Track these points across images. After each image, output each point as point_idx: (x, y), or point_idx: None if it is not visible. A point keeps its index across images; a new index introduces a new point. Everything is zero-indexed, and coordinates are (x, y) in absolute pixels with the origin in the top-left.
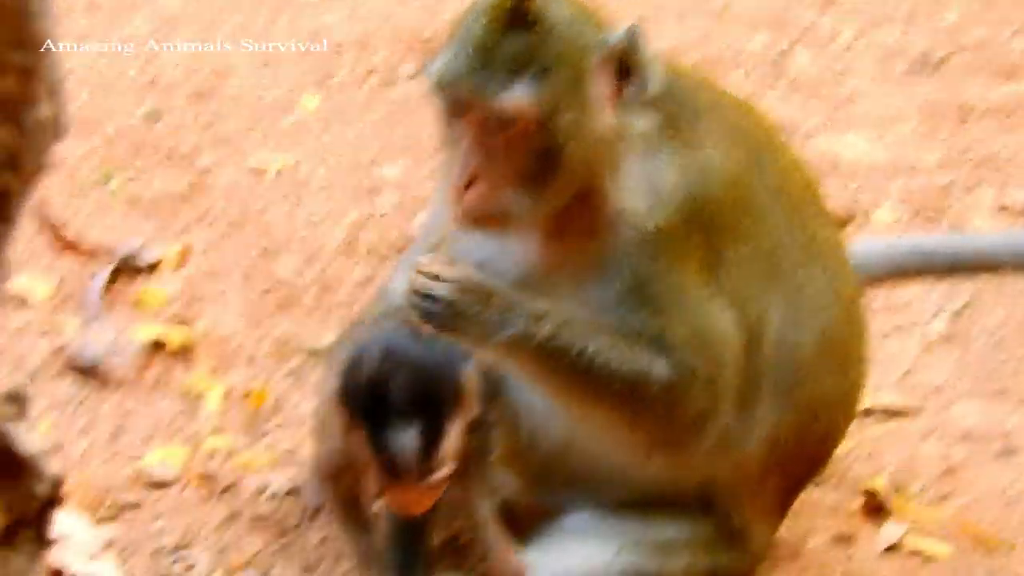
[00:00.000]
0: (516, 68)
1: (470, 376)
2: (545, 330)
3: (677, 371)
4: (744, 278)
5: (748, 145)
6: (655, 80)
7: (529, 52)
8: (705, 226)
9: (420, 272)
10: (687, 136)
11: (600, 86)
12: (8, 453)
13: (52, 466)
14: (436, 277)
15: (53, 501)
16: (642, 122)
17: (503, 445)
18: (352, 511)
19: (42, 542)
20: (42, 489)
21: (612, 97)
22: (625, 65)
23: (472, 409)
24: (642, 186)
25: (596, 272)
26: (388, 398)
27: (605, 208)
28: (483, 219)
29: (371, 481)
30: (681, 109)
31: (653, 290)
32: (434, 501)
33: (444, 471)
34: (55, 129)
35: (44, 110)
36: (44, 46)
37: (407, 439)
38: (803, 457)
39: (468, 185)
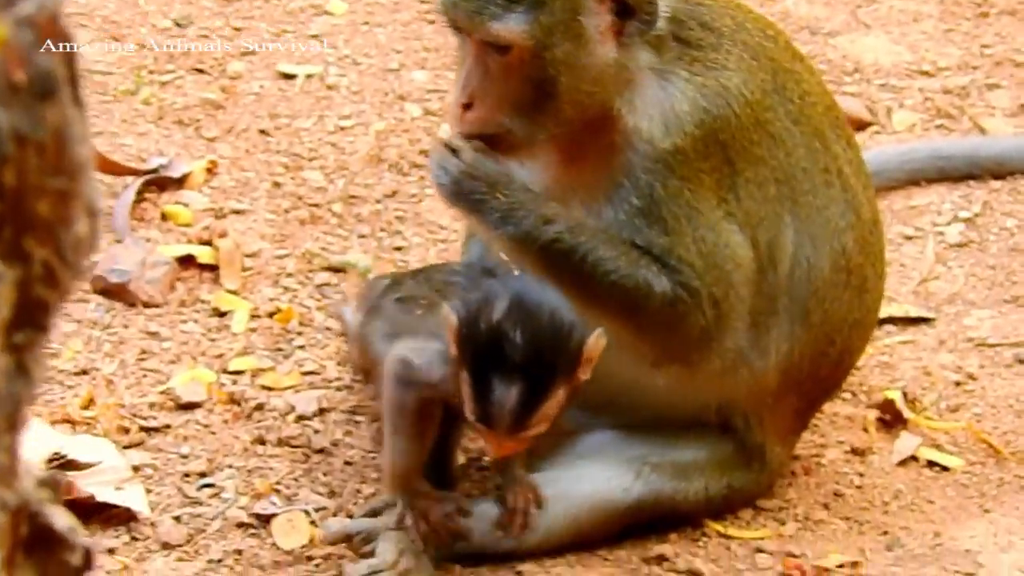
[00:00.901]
0: None
1: (595, 343)
2: (550, 233)
3: (680, 289)
4: (760, 200)
5: (770, 69)
6: (658, 17)
7: None
8: (723, 146)
9: (445, 143)
10: (709, 58)
11: (598, 21)
12: (44, 530)
13: (83, 539)
14: (455, 152)
15: (83, 569)
16: (650, 55)
17: None
18: (413, 421)
19: None
20: (75, 559)
21: (612, 32)
22: (626, 3)
23: (586, 375)
24: (659, 107)
25: (609, 192)
26: (502, 352)
27: (619, 130)
28: (481, 140)
29: (464, 414)
30: (703, 32)
31: (665, 209)
32: (520, 450)
33: (538, 429)
34: (90, 245)
35: (80, 229)
36: (80, 171)
37: (509, 397)
38: (819, 378)
39: (468, 105)
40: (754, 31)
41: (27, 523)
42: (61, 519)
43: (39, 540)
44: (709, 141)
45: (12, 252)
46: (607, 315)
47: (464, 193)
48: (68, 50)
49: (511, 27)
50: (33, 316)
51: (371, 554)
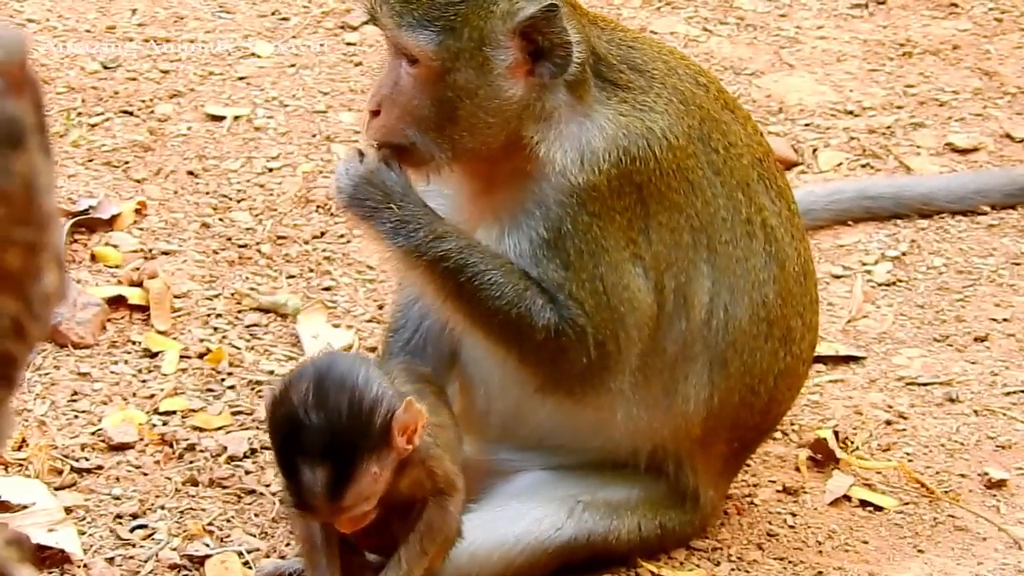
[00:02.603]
0: (429, 17)
1: (405, 415)
2: (439, 250)
3: (565, 324)
4: (671, 245)
5: (699, 116)
6: (572, 62)
7: (444, 6)
8: (639, 187)
9: (349, 151)
10: (638, 100)
11: (506, 57)
12: None
13: None
14: (361, 157)
15: None
16: (567, 95)
17: (461, 409)
18: (326, 548)
19: None
20: None
21: (522, 70)
22: (539, 44)
23: (409, 445)
24: (577, 143)
25: (519, 218)
26: (303, 434)
27: (534, 161)
28: (386, 147)
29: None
30: (633, 75)
31: (570, 243)
32: (360, 527)
33: (362, 507)
34: (58, 296)
35: (48, 281)
36: (49, 222)
37: (316, 481)
38: (747, 425)
39: (376, 112)
40: (685, 77)
41: None
42: None
43: None
44: (624, 180)
45: None
46: (490, 339)
47: (359, 199)
48: (35, 97)
49: (421, 42)
50: (1, 370)
51: None
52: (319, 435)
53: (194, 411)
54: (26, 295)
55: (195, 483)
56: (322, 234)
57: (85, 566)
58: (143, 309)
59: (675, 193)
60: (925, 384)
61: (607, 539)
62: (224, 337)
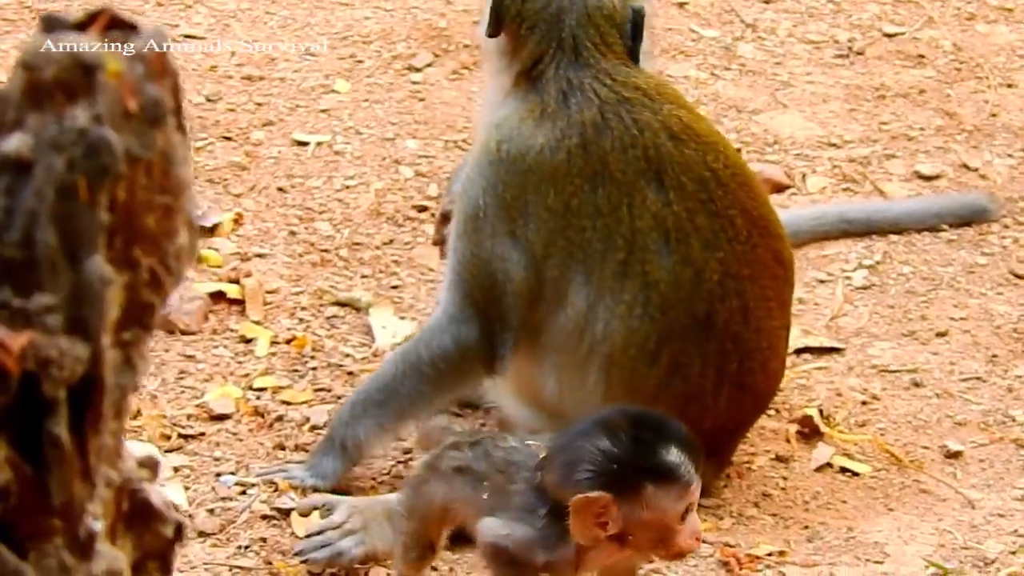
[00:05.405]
0: None
1: None
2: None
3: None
4: (547, 242)
5: (594, 170)
6: (492, 36)
7: None
8: (523, 174)
9: None
10: (540, 116)
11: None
12: (143, 504)
13: (175, 514)
14: None
15: (175, 540)
16: (513, 85)
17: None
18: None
19: (166, 572)
20: (167, 531)
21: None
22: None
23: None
24: (488, 113)
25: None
26: (667, 425)
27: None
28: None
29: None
30: (567, 107)
31: (465, 203)
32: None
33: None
34: (190, 255)
35: (182, 240)
36: (183, 189)
37: (687, 457)
38: (702, 430)
39: None
40: (621, 147)
41: (128, 499)
42: (157, 496)
43: (138, 514)
44: (510, 164)
45: (122, 260)
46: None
47: None
48: (173, 83)
49: None
50: (139, 317)
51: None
52: (677, 428)
53: (282, 388)
54: (162, 252)
55: (283, 448)
56: (390, 241)
57: (190, 516)
58: (239, 303)
59: (552, 201)
60: (895, 371)
61: None
62: (308, 327)
